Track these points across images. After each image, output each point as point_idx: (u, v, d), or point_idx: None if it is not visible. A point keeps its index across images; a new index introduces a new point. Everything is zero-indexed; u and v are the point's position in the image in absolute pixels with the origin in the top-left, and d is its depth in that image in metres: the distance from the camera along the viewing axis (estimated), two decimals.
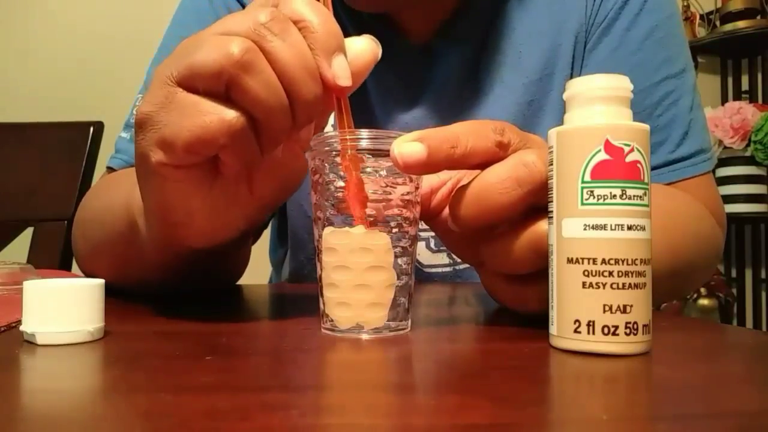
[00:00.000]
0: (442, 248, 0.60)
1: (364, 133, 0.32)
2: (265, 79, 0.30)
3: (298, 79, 0.30)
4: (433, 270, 0.61)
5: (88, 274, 0.52)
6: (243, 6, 0.61)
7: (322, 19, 0.31)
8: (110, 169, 0.62)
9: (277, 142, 0.33)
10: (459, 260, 0.60)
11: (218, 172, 0.34)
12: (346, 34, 0.33)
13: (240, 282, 0.57)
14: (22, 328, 0.29)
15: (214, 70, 0.29)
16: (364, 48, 0.34)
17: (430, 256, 0.60)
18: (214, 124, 0.30)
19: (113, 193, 0.50)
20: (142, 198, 0.36)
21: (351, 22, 0.59)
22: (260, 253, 0.72)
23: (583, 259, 0.27)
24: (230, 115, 0.30)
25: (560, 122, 0.30)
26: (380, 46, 0.34)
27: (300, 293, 0.55)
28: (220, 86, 0.30)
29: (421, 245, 0.59)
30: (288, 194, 0.39)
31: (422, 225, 0.37)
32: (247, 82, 0.29)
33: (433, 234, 0.52)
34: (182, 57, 0.30)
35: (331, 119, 0.60)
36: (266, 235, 0.77)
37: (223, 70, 0.29)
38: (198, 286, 0.49)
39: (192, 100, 0.30)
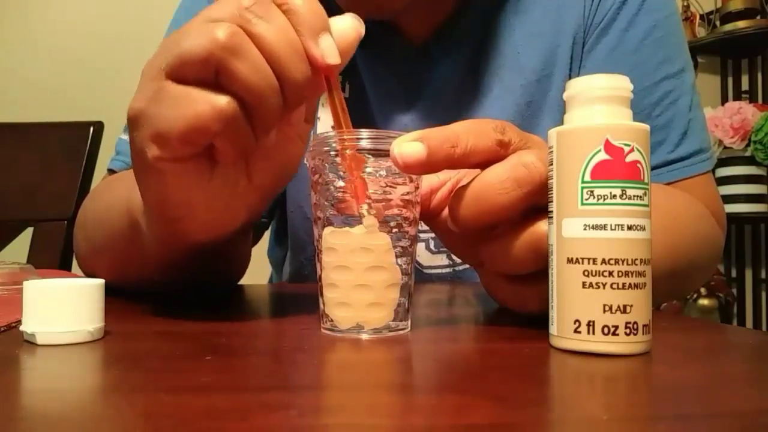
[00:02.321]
0: (441, 249, 0.60)
1: (364, 133, 0.32)
2: (254, 61, 0.30)
3: (286, 60, 0.30)
4: (433, 271, 0.61)
5: (89, 275, 0.52)
6: None
7: (305, 0, 0.31)
8: (111, 171, 0.61)
9: (270, 126, 0.32)
10: (459, 261, 0.59)
11: (215, 162, 0.34)
12: None
13: (240, 282, 0.57)
14: (22, 328, 0.29)
15: (202, 57, 0.29)
16: (347, 26, 0.34)
17: (430, 257, 0.60)
18: (207, 112, 0.30)
19: (114, 194, 0.50)
20: (142, 195, 0.36)
21: None
22: (260, 253, 0.72)
23: (583, 259, 0.27)
24: (222, 101, 0.30)
25: (559, 123, 0.30)
26: (363, 23, 0.34)
27: (300, 293, 0.55)
28: (209, 73, 0.30)
29: (420, 246, 0.59)
30: (286, 181, 0.39)
31: (422, 226, 0.37)
32: (236, 65, 0.29)
33: (432, 235, 0.52)
34: (169, 49, 0.30)
35: (329, 119, 0.61)
36: (266, 234, 0.77)
37: (211, 56, 0.29)
38: (199, 284, 0.49)
39: (182, 91, 0.30)
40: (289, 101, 0.32)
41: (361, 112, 0.60)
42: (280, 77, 0.31)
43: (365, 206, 0.31)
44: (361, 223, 0.31)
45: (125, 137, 0.61)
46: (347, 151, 0.32)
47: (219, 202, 0.35)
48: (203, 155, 0.33)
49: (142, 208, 0.39)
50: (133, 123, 0.32)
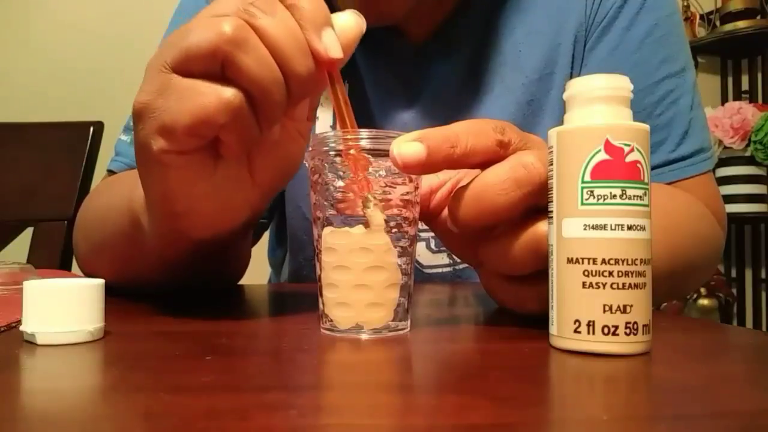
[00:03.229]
0: (442, 249, 0.60)
1: (364, 132, 0.32)
2: (259, 55, 0.30)
3: (290, 54, 0.31)
4: (433, 271, 0.61)
5: (89, 276, 0.52)
6: None
7: None
8: (110, 173, 0.61)
9: (275, 119, 0.33)
10: (459, 260, 0.59)
11: (219, 156, 0.34)
12: None
13: (240, 282, 0.57)
14: (22, 328, 0.29)
15: (209, 50, 0.29)
16: (349, 21, 0.34)
17: (431, 256, 0.60)
18: (213, 104, 0.30)
19: (114, 193, 0.50)
20: (144, 190, 0.36)
21: None
22: (260, 253, 0.72)
23: (583, 259, 0.27)
24: (228, 93, 0.30)
25: (560, 122, 0.30)
26: (364, 20, 0.35)
27: (300, 293, 0.55)
28: (215, 66, 0.30)
29: (421, 246, 0.59)
30: (287, 179, 0.39)
31: (422, 226, 0.37)
32: (242, 58, 0.30)
33: (433, 235, 0.52)
34: (175, 44, 0.31)
35: (328, 119, 0.60)
36: (266, 235, 0.77)
37: (217, 50, 0.29)
38: (199, 284, 0.49)
39: (189, 84, 0.30)
40: (294, 95, 0.32)
41: (361, 112, 0.60)
42: (285, 71, 0.31)
43: (371, 202, 0.31)
44: (362, 223, 0.31)
45: (125, 138, 0.61)
46: (351, 151, 0.31)
47: (221, 198, 0.35)
48: (207, 149, 0.33)
49: (144, 205, 0.39)
50: (139, 116, 0.32)
